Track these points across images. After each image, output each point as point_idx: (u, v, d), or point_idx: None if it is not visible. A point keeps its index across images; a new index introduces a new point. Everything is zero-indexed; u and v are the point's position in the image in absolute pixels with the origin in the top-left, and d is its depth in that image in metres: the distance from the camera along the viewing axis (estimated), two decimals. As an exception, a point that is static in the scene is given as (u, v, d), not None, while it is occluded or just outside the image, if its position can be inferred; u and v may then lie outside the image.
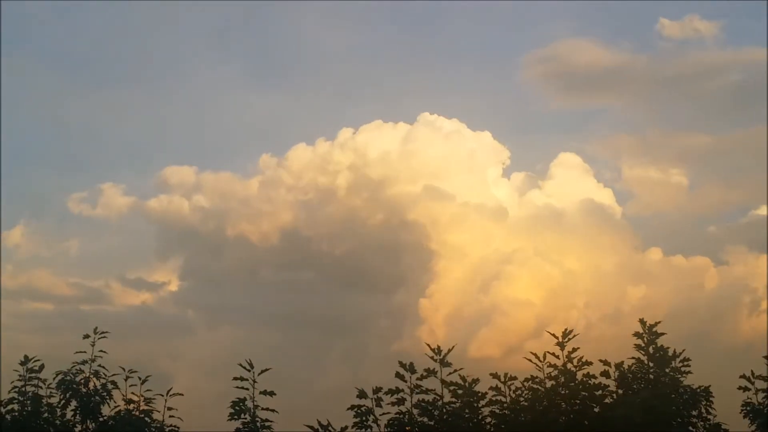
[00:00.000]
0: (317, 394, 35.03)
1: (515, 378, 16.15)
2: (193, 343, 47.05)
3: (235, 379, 15.61)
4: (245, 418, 15.43)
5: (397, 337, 44.48)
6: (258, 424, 15.48)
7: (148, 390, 16.50)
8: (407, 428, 15.45)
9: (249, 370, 15.69)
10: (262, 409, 15.56)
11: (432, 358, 15.85)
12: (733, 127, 59.39)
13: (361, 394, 15.37)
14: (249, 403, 15.57)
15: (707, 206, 55.20)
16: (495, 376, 16.12)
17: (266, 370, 15.71)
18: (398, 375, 15.61)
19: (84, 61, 61.37)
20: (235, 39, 64.88)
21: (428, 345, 15.92)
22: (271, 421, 15.55)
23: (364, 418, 15.15)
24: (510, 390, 16.05)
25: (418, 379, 15.66)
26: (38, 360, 16.50)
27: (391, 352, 41.91)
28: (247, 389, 15.65)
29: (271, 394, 15.48)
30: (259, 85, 64.11)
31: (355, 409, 15.24)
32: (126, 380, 16.53)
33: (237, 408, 15.49)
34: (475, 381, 15.90)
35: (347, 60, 63.15)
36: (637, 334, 16.34)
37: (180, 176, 54.56)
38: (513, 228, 48.83)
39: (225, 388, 15.87)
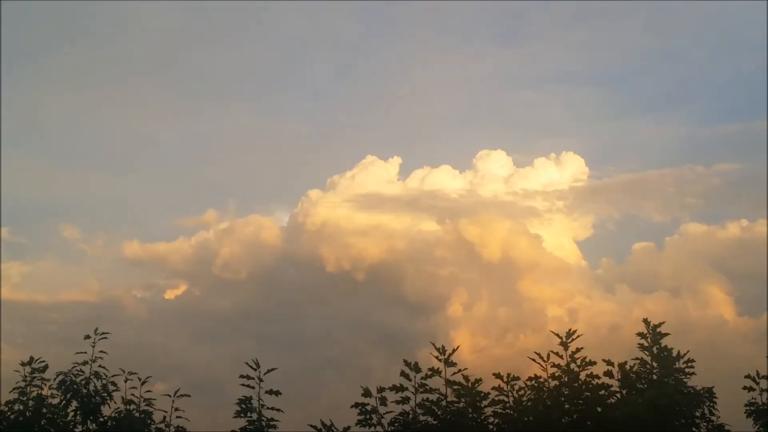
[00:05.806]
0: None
1: (518, 378, 16.07)
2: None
3: (241, 377, 15.60)
4: (251, 417, 15.33)
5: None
6: (264, 423, 15.35)
7: (147, 391, 16.40)
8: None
9: (255, 369, 15.61)
10: (268, 408, 15.50)
11: (437, 357, 15.79)
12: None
13: (366, 393, 15.26)
14: (255, 402, 15.47)
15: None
16: (498, 376, 16.04)
17: (272, 369, 15.63)
18: (403, 374, 15.48)
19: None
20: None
21: (433, 344, 15.88)
22: (277, 420, 15.43)
23: (368, 417, 15.03)
24: (513, 390, 15.97)
25: (422, 378, 15.55)
26: (42, 361, 16.37)
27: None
28: (253, 388, 15.57)
29: (277, 393, 15.38)
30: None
31: (360, 407, 15.14)
32: (126, 382, 16.39)
33: (243, 407, 15.40)
34: (478, 381, 15.80)
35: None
36: (640, 334, 16.29)
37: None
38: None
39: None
